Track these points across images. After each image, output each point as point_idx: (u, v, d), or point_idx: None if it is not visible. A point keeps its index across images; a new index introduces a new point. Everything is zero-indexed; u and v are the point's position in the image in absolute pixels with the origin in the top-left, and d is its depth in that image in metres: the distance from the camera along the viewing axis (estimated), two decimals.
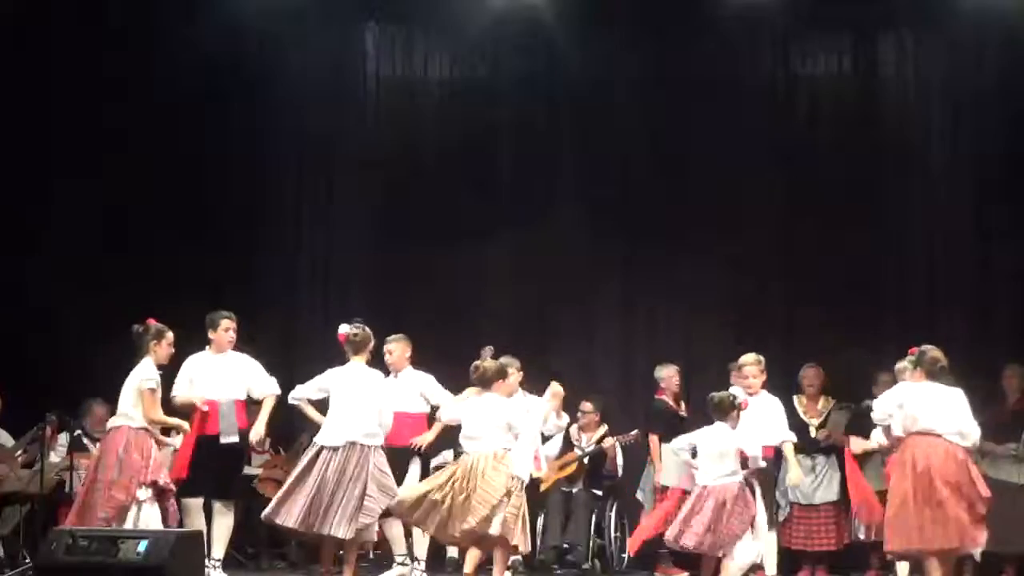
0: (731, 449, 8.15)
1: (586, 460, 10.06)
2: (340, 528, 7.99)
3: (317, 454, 8.16)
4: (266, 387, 8.72)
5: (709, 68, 11.32)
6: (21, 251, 10.59)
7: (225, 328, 8.68)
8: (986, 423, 9.59)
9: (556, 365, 10.87)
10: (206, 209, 11.09)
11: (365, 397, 8.28)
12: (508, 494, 7.87)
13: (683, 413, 9.96)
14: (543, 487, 10.04)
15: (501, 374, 8.32)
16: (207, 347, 8.80)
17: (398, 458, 8.67)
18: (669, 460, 9.48)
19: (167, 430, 8.36)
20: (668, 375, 10.03)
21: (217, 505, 8.52)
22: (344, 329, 8.50)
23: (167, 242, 10.85)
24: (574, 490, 10.00)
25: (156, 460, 7.98)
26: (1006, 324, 10.85)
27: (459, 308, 11.09)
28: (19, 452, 9.11)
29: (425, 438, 9.05)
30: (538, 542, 9.80)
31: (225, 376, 8.65)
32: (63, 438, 9.27)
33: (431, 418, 9.11)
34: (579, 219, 11.43)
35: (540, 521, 9.94)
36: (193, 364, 8.71)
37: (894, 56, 11.45)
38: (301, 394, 8.49)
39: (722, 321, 10.95)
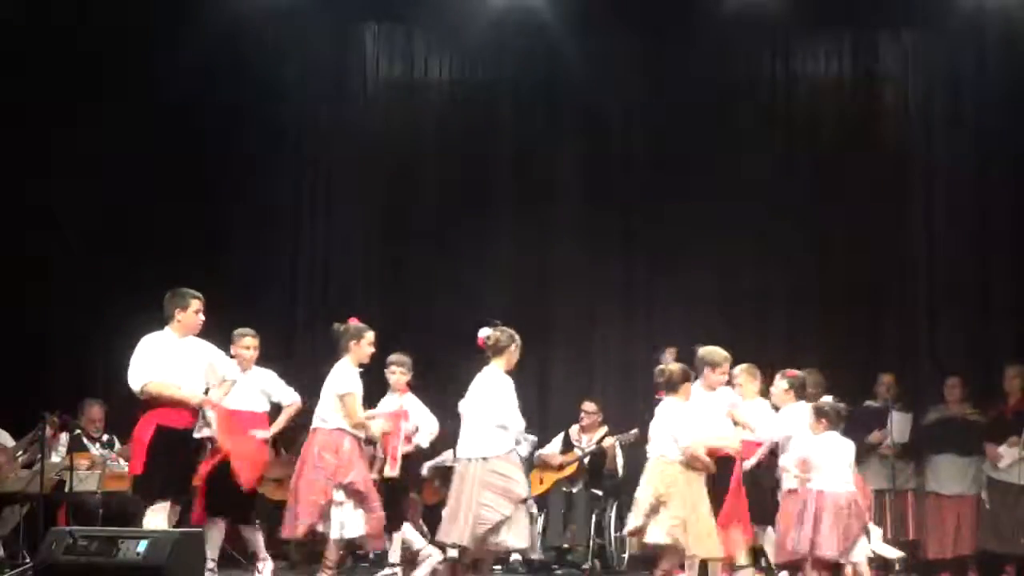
0: (848, 454, 8.08)
1: (586, 460, 10.06)
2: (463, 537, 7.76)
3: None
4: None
5: (709, 68, 11.34)
6: (21, 251, 10.59)
7: (196, 310, 7.93)
8: (986, 423, 9.65)
9: (556, 365, 10.89)
10: (206, 209, 11.09)
11: (485, 404, 7.95)
12: None
13: None
14: (543, 487, 10.04)
15: (686, 376, 7.95)
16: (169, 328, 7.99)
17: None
18: None
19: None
20: None
21: None
22: (483, 333, 8.19)
23: (167, 242, 10.85)
24: (574, 490, 10.01)
25: (351, 461, 7.80)
26: (1006, 324, 10.85)
27: (459, 308, 11.08)
28: (19, 452, 9.10)
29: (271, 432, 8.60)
30: (538, 542, 9.80)
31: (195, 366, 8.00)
32: (63, 438, 9.27)
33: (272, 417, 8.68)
34: (579, 219, 11.44)
35: (540, 521, 9.95)
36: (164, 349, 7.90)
37: (894, 56, 11.47)
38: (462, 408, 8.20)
39: (722, 321, 10.95)
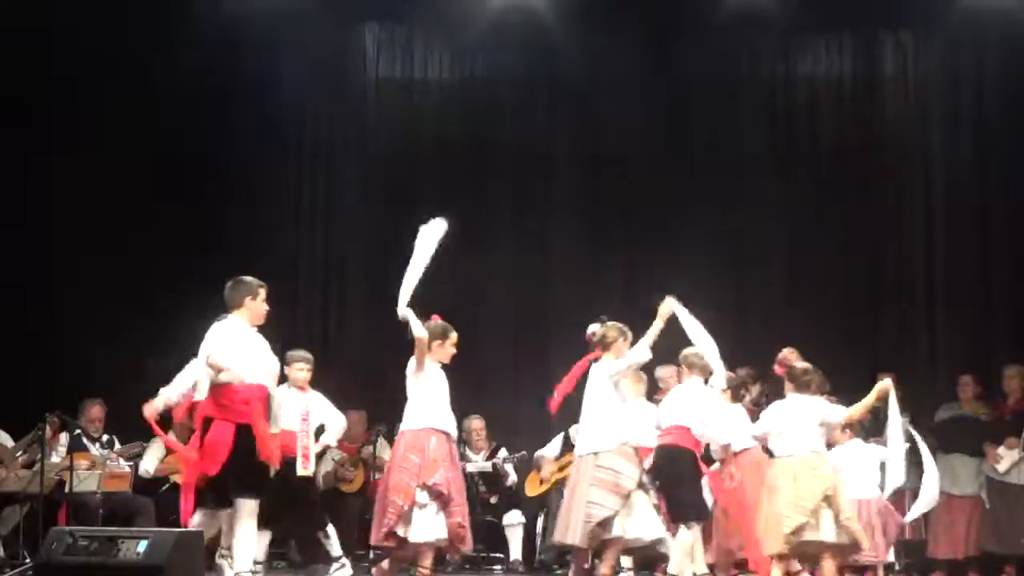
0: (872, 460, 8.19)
1: None
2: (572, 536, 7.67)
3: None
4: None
5: (709, 68, 11.34)
6: (21, 251, 10.58)
7: (264, 298, 7.76)
8: (986, 423, 9.65)
9: (556, 365, 10.87)
10: (206, 209, 11.09)
11: (595, 400, 7.92)
12: None
13: None
14: (543, 487, 10.04)
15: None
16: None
17: None
18: None
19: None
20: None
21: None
22: (592, 328, 8.15)
23: (167, 242, 10.85)
24: None
25: (436, 461, 7.57)
26: (1006, 324, 10.85)
27: (459, 308, 11.06)
28: (19, 452, 9.10)
29: None
30: (538, 542, 9.80)
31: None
32: (63, 438, 9.26)
33: None
34: (579, 219, 11.44)
35: (540, 521, 9.95)
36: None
37: (894, 56, 11.47)
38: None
39: (722, 321, 10.92)
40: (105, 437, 9.69)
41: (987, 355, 10.51)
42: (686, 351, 8.61)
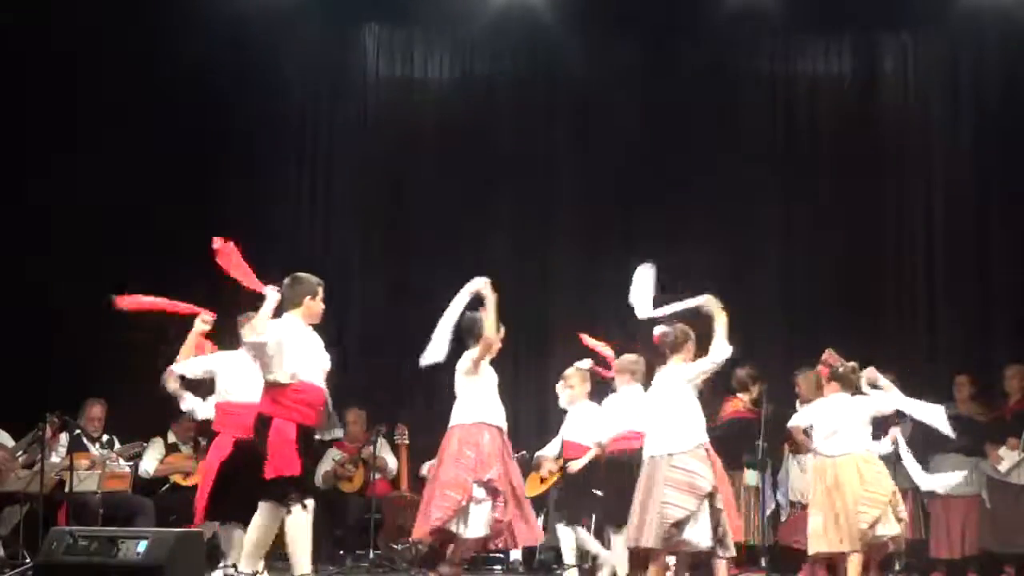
0: None
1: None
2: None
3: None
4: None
5: (709, 68, 11.35)
6: (21, 251, 10.58)
7: (322, 297, 7.72)
8: (987, 423, 9.64)
9: (556, 365, 10.85)
10: (206, 209, 11.08)
11: (666, 400, 7.83)
12: None
13: None
14: (543, 487, 10.03)
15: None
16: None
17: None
18: None
19: None
20: None
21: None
22: (658, 331, 8.01)
23: (167, 242, 10.84)
24: None
25: (491, 456, 7.55)
26: (1006, 324, 10.85)
27: None
28: (19, 452, 9.10)
29: None
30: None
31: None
32: (63, 438, 9.25)
33: None
34: (579, 218, 11.44)
35: (540, 521, 9.93)
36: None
37: (894, 56, 11.47)
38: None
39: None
40: (105, 437, 9.69)
41: (987, 355, 10.51)
42: (622, 358, 8.66)
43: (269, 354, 7.20)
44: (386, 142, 11.65)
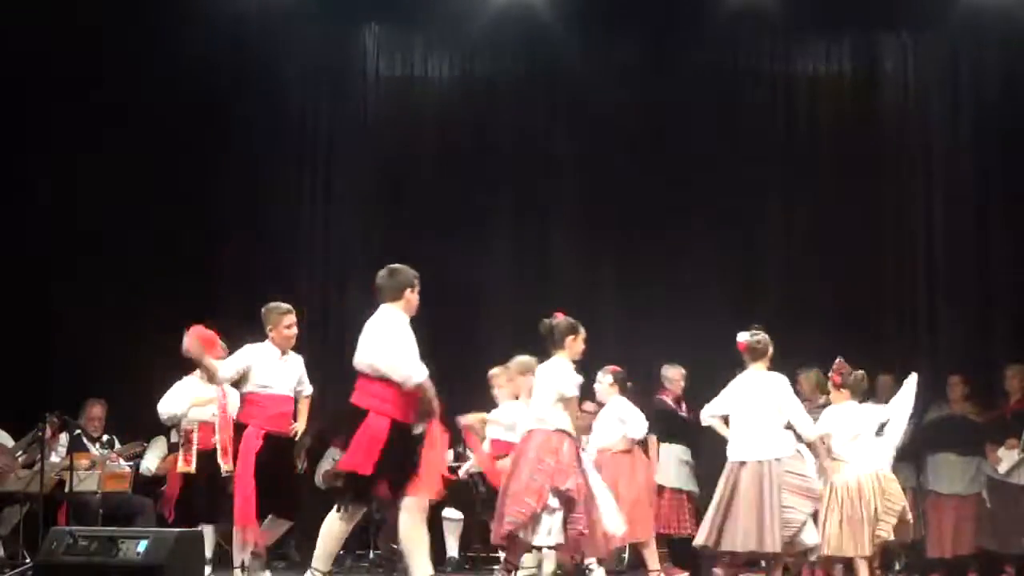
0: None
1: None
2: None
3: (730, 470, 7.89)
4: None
5: (709, 67, 11.35)
6: (21, 251, 10.59)
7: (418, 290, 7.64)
8: (986, 423, 9.65)
9: None
10: (206, 209, 11.09)
11: (765, 406, 7.90)
12: None
13: (683, 414, 9.96)
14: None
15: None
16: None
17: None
18: (667, 460, 9.50)
19: None
20: (675, 376, 10.02)
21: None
22: (743, 337, 8.13)
23: (167, 242, 10.85)
24: None
25: (570, 465, 7.40)
26: (1006, 324, 10.85)
27: (459, 307, 11.09)
28: (19, 452, 9.10)
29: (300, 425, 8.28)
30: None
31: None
32: (63, 438, 9.26)
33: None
34: (579, 218, 11.44)
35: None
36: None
37: (894, 56, 11.47)
38: (713, 411, 8.14)
39: (721, 320, 10.94)
40: (105, 437, 9.70)
41: (987, 355, 10.51)
42: (518, 359, 8.73)
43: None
44: (386, 142, 11.65)
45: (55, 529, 7.02)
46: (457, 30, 11.48)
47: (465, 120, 11.64)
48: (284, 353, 7.98)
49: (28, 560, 8.31)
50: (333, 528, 6.90)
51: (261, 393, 7.85)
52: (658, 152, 11.34)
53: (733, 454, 7.86)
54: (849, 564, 8.06)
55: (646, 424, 8.95)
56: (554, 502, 7.35)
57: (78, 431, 9.24)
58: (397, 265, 7.45)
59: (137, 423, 9.75)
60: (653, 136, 11.35)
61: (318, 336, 11.04)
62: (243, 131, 11.24)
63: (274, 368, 7.90)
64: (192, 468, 8.54)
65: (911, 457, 9.77)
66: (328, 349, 10.89)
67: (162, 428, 9.88)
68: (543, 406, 7.54)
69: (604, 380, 8.93)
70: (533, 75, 11.59)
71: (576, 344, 7.72)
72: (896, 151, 11.37)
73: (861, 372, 8.19)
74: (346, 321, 11.47)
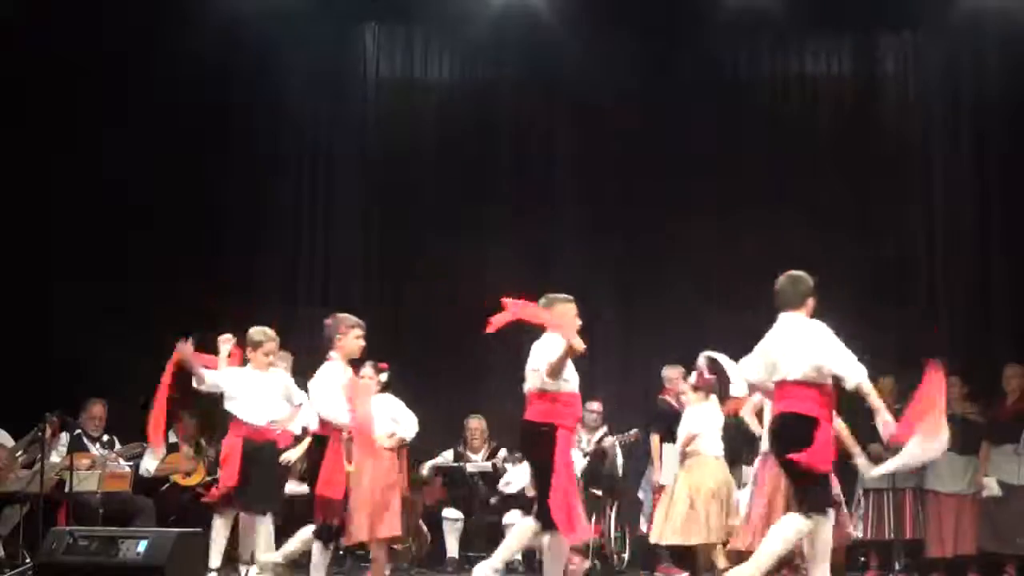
0: None
1: (586, 459, 10.05)
2: None
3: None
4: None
5: (709, 68, 11.36)
6: (21, 251, 10.59)
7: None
8: (986, 423, 9.64)
9: None
10: (206, 209, 11.09)
11: None
12: None
13: None
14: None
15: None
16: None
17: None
18: (669, 459, 9.50)
19: None
20: (675, 376, 10.02)
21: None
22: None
23: (167, 242, 10.85)
24: None
25: None
26: (1006, 324, 10.85)
27: (458, 307, 11.08)
28: (19, 452, 9.10)
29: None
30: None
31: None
32: (63, 438, 9.26)
33: None
34: (579, 218, 11.44)
35: None
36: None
37: (894, 56, 11.47)
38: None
39: (722, 322, 10.94)
40: (105, 437, 9.70)
41: (987, 355, 10.50)
42: None
43: None
44: (386, 142, 11.65)
45: (55, 529, 7.03)
46: (457, 30, 11.48)
47: (465, 120, 11.63)
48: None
49: (28, 560, 8.32)
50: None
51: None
52: (658, 152, 11.34)
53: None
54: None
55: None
56: None
57: (78, 431, 9.24)
58: (797, 273, 7.65)
59: (137, 423, 9.74)
60: (653, 136, 11.35)
61: (319, 336, 11.01)
62: (243, 131, 11.23)
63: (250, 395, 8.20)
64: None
65: None
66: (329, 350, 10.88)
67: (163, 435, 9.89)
68: None
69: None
70: (533, 75, 11.59)
71: None
72: (896, 151, 11.37)
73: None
74: None
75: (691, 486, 8.62)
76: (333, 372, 7.72)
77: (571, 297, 7.62)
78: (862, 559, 9.82)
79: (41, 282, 10.57)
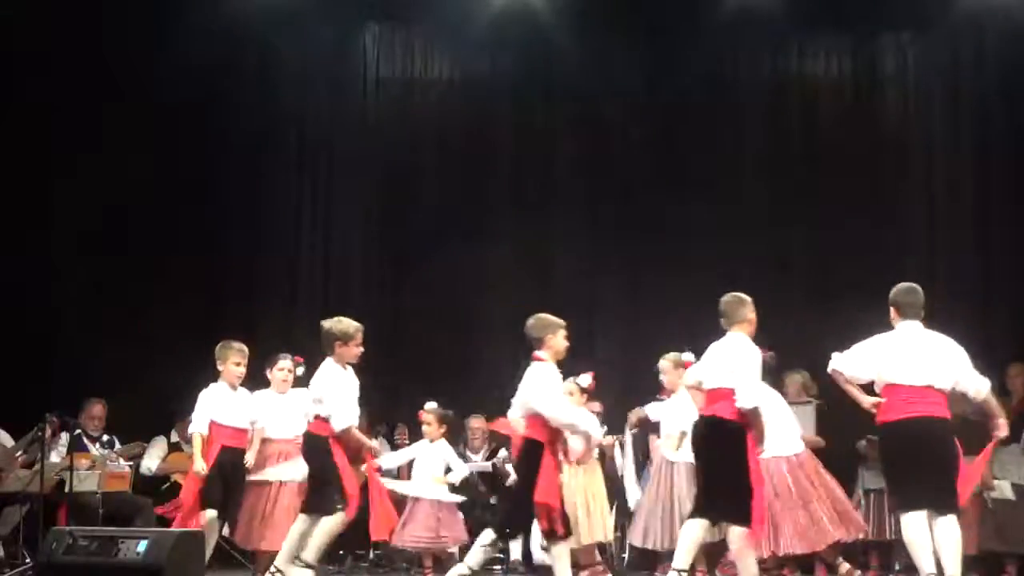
0: None
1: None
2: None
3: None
4: None
5: (709, 68, 11.35)
6: (21, 251, 10.59)
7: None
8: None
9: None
10: (206, 209, 11.09)
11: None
12: None
13: None
14: None
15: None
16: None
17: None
18: None
19: None
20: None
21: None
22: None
23: (167, 242, 10.85)
24: None
25: None
26: (1006, 324, 10.85)
27: (458, 308, 11.09)
28: (19, 452, 9.10)
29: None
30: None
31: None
32: (63, 438, 9.26)
33: None
34: (579, 219, 11.44)
35: None
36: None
37: (894, 56, 11.47)
38: None
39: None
40: (105, 437, 9.71)
41: (987, 354, 10.48)
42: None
43: None
44: (386, 142, 11.65)
45: (55, 529, 7.02)
46: (457, 30, 11.48)
47: (465, 120, 11.63)
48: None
49: (28, 560, 8.32)
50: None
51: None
52: (658, 152, 11.34)
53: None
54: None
55: None
56: None
57: (78, 431, 9.24)
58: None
59: (137, 423, 9.76)
60: (653, 136, 11.35)
61: (318, 336, 11.02)
62: (243, 131, 11.23)
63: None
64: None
65: None
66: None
67: (162, 428, 9.90)
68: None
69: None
70: (533, 75, 11.59)
71: None
72: (896, 151, 11.37)
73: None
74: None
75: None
76: (337, 373, 8.08)
77: (563, 322, 8.07)
78: (862, 559, 9.81)
79: (41, 282, 10.57)
